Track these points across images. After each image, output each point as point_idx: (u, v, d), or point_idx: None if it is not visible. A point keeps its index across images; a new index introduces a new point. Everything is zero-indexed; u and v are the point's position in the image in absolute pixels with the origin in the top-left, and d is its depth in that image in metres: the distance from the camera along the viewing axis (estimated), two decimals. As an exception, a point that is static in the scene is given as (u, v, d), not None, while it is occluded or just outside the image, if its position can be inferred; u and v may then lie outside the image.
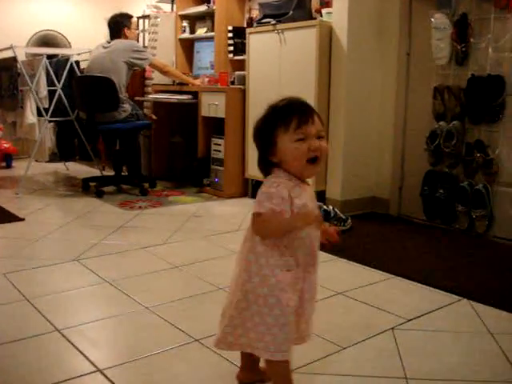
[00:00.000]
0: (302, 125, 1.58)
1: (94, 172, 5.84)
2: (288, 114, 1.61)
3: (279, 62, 4.47)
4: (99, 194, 4.83)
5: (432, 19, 3.85)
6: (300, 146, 1.58)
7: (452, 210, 3.88)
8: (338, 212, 3.81)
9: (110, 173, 5.58)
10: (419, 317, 2.42)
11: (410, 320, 2.37)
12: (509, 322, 2.39)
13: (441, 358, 2.05)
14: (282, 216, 1.57)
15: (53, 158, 6.74)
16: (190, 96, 5.11)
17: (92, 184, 5.08)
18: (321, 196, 4.34)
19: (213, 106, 4.86)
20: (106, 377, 1.87)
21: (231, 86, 4.92)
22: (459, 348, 2.15)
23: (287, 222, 1.58)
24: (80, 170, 6.30)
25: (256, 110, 4.71)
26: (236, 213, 4.38)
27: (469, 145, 3.77)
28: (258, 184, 4.83)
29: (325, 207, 3.82)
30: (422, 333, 2.26)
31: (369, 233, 3.80)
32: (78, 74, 5.64)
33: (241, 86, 4.85)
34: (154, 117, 5.43)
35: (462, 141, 3.80)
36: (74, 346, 2.09)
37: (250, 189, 4.96)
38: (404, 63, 4.19)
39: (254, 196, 4.89)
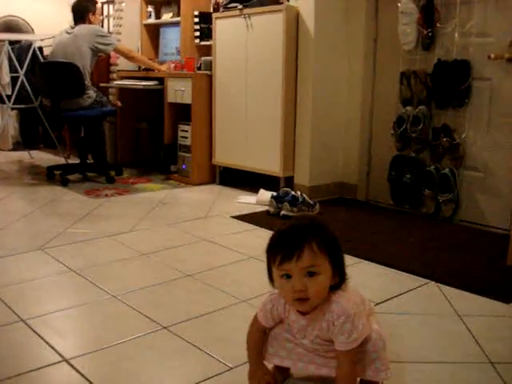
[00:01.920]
0: (284, 261, 1.45)
1: (59, 160, 5.74)
2: (275, 246, 1.50)
3: (246, 47, 4.44)
4: (64, 183, 4.75)
5: (399, 4, 3.86)
6: (285, 284, 1.48)
7: (419, 194, 3.90)
8: (306, 198, 3.80)
9: (75, 161, 5.49)
10: (387, 300, 2.43)
11: (379, 303, 2.38)
12: (476, 304, 2.41)
13: (409, 341, 2.06)
14: (259, 325, 1.66)
15: (16, 147, 6.63)
16: (155, 82, 5.05)
17: (57, 172, 4.99)
18: (289, 182, 4.33)
19: (179, 92, 4.80)
20: (73, 366, 1.84)
21: (198, 72, 4.87)
22: (427, 330, 2.16)
23: (248, 347, 1.69)
24: (44, 158, 6.19)
25: (223, 95, 4.69)
26: (204, 200, 4.35)
27: (435, 129, 3.79)
28: (225, 170, 4.82)
29: (293, 193, 3.81)
30: (391, 316, 2.26)
31: (337, 218, 3.81)
32: (42, 60, 5.53)
33: (207, 72, 4.80)
34: (119, 103, 5.36)
35: (428, 125, 3.82)
36: (39, 335, 2.05)
37: (217, 175, 4.93)
38: (371, 48, 4.20)
39: (221, 182, 4.87)
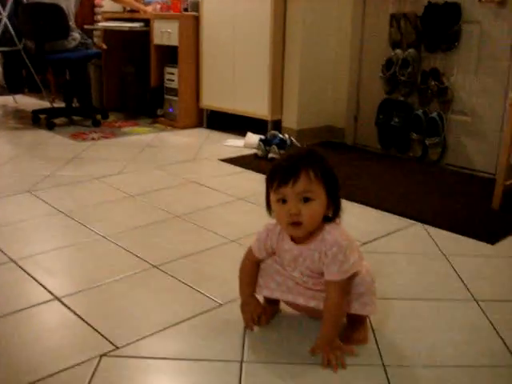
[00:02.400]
0: (280, 185, 1.51)
1: (44, 104, 5.65)
2: (273, 172, 1.55)
3: (234, -12, 4.36)
4: (50, 126, 4.70)
5: None
6: (280, 207, 1.54)
7: (406, 138, 3.91)
8: (294, 141, 3.80)
9: (60, 104, 5.41)
10: (374, 240, 2.46)
11: (366, 243, 2.41)
12: (461, 245, 2.45)
13: (395, 278, 2.10)
14: (252, 256, 1.71)
15: (0, 91, 6.51)
16: (141, 24, 4.95)
17: (42, 116, 4.92)
18: (277, 125, 4.32)
19: (165, 33, 4.72)
20: (64, 304, 1.86)
21: (184, 13, 4.78)
22: (413, 268, 2.20)
23: (241, 278, 1.75)
24: (29, 102, 6.09)
25: (210, 37, 4.62)
26: (191, 143, 4.33)
27: (424, 73, 3.77)
28: (213, 114, 4.79)
29: (281, 136, 3.81)
30: (378, 255, 2.30)
31: (325, 162, 3.80)
32: (25, 1, 5.39)
33: (194, 13, 4.71)
34: (104, 46, 5.26)
35: (417, 69, 3.80)
36: (30, 275, 2.06)
37: (204, 119, 4.90)
38: (360, -11, 4.13)
39: (208, 126, 4.86)
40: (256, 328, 1.72)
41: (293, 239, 1.62)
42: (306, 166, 1.50)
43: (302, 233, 1.57)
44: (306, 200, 1.51)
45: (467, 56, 3.59)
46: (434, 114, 3.73)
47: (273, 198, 1.55)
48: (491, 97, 3.53)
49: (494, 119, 3.54)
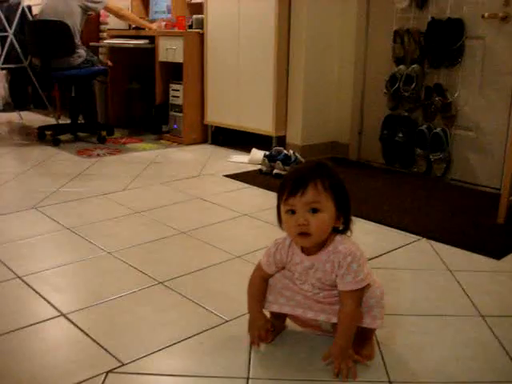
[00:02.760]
0: (289, 197, 1.54)
1: (49, 120, 5.70)
2: (284, 183, 1.58)
3: (238, 5, 4.39)
4: (56, 143, 4.73)
5: (392, -39, 3.82)
6: (289, 218, 1.56)
7: (411, 153, 3.92)
8: (298, 156, 3.81)
9: (65, 121, 5.45)
10: (380, 256, 2.47)
11: (371, 259, 2.41)
12: (466, 260, 2.45)
13: (401, 294, 2.10)
14: (261, 272, 1.72)
15: (6, 108, 6.56)
16: (146, 41, 5.00)
17: (48, 133, 4.96)
18: (281, 141, 4.34)
19: (170, 50, 4.76)
20: (70, 321, 1.86)
21: (189, 30, 4.81)
22: (419, 284, 2.20)
23: (250, 294, 1.75)
24: (35, 118, 6.14)
25: (215, 54, 4.65)
26: (196, 159, 4.35)
27: (428, 88, 3.79)
28: (217, 130, 4.82)
29: (285, 152, 3.82)
30: (383, 271, 2.30)
31: (329, 177, 3.81)
32: (31, 18, 5.44)
33: (199, 30, 4.75)
34: (109, 63, 5.30)
35: (421, 84, 3.82)
36: (36, 291, 2.07)
37: (209, 135, 4.92)
38: (364, 6, 4.15)
39: (213, 142, 4.87)
40: (262, 345, 1.72)
41: (303, 251, 1.63)
42: (315, 178, 1.53)
43: (310, 243, 1.58)
44: (315, 211, 1.53)
45: (471, 71, 3.61)
46: (438, 130, 3.74)
47: (282, 209, 1.58)
48: (495, 112, 3.54)
49: (498, 134, 3.54)
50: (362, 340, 1.68)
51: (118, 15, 5.11)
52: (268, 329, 1.72)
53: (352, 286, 1.56)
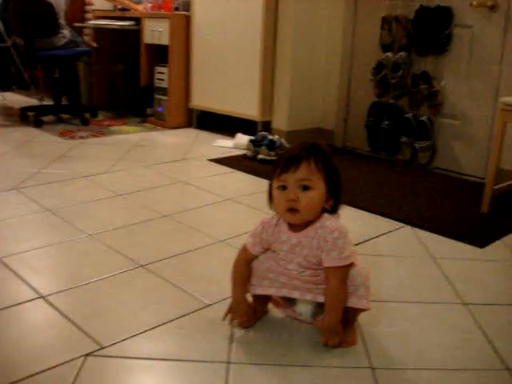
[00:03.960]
0: (282, 172, 1.56)
1: (32, 102, 5.61)
2: (278, 160, 1.61)
3: (225, -12, 4.34)
4: (38, 124, 4.67)
5: None
6: (280, 194, 1.58)
7: (396, 141, 3.91)
8: (283, 142, 3.79)
9: (48, 102, 5.37)
10: (363, 242, 2.46)
11: (356, 245, 2.39)
12: (450, 248, 2.45)
13: (385, 281, 2.09)
14: (246, 254, 1.70)
15: (-12, 88, 6.45)
16: (132, 22, 4.93)
17: (30, 114, 4.89)
18: (266, 127, 4.31)
19: (156, 32, 4.70)
20: (50, 303, 1.83)
21: (175, 13, 4.76)
22: (403, 271, 2.19)
23: (233, 278, 1.72)
24: (17, 99, 6.05)
25: (201, 37, 4.60)
26: (180, 143, 4.31)
27: (415, 76, 3.78)
28: (202, 114, 4.77)
29: (270, 137, 3.79)
30: (367, 257, 2.28)
31: (314, 163, 3.80)
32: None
33: (185, 13, 4.70)
34: (94, 44, 5.23)
35: (408, 72, 3.80)
36: (15, 273, 2.03)
37: (194, 119, 4.88)
38: (352, -8, 4.13)
39: (198, 126, 4.83)
40: (243, 330, 1.70)
41: (290, 228, 1.63)
42: (308, 156, 1.55)
43: (299, 220, 1.59)
44: (305, 188, 1.54)
45: (458, 60, 3.60)
46: (424, 118, 3.73)
47: (274, 185, 1.59)
48: (481, 101, 3.54)
49: (483, 123, 3.54)
50: (344, 324, 1.67)
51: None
52: (250, 315, 1.71)
53: (337, 263, 1.57)
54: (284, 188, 1.56)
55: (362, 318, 1.74)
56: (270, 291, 1.69)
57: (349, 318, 1.68)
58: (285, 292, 1.67)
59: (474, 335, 1.74)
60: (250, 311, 1.71)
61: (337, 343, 1.60)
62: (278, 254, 1.67)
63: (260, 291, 1.71)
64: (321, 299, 1.62)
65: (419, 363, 1.57)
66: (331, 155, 1.62)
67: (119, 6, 5.25)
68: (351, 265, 1.60)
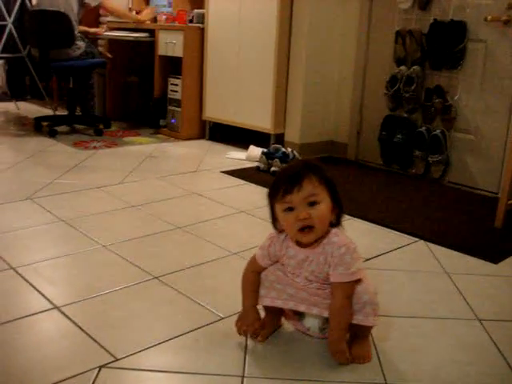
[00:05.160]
0: (286, 194, 1.53)
1: (46, 111, 5.67)
2: (277, 182, 1.58)
3: (240, 1, 4.36)
4: (52, 134, 4.70)
5: (396, -39, 3.80)
6: (288, 216, 1.55)
7: (409, 155, 3.90)
8: (296, 154, 3.79)
9: (62, 112, 5.41)
10: (377, 256, 2.45)
11: (368, 259, 2.39)
12: (464, 263, 2.44)
13: (398, 296, 2.08)
14: (255, 265, 1.70)
15: (3, 97, 6.50)
16: (146, 34, 4.96)
17: (44, 124, 4.93)
18: (279, 139, 4.31)
19: (170, 44, 4.73)
20: (64, 314, 1.84)
21: (189, 25, 4.78)
22: (416, 286, 2.18)
23: (243, 288, 1.73)
24: (32, 109, 6.09)
25: (215, 49, 4.62)
26: (193, 154, 4.33)
27: (428, 90, 3.77)
28: (215, 126, 4.79)
29: (283, 149, 3.79)
30: (379, 272, 2.28)
31: (327, 176, 3.80)
32: (30, 8, 5.40)
33: (200, 25, 4.72)
34: (109, 55, 5.27)
35: (421, 86, 3.80)
36: (29, 283, 2.04)
37: (207, 131, 4.89)
38: (366, 6, 4.14)
39: (211, 138, 4.85)
40: (258, 343, 1.70)
41: (298, 244, 1.62)
42: (308, 173, 1.54)
43: (313, 238, 1.58)
44: (313, 204, 1.53)
45: (472, 74, 3.60)
46: (438, 132, 3.73)
47: (279, 208, 1.57)
48: (495, 116, 3.53)
49: (497, 138, 3.53)
50: (356, 340, 1.66)
51: (113, 14, 5.05)
52: (257, 328, 1.70)
53: (343, 278, 1.56)
54: (291, 209, 1.54)
55: (375, 333, 1.73)
56: (278, 303, 1.68)
57: (359, 333, 1.67)
58: (291, 305, 1.66)
59: (489, 352, 1.73)
60: (257, 325, 1.70)
61: (344, 360, 1.59)
62: (286, 267, 1.67)
63: (267, 302, 1.70)
64: (327, 314, 1.61)
65: (434, 380, 1.56)
66: (325, 169, 1.60)
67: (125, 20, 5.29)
68: (358, 281, 1.59)
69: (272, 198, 1.59)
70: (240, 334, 1.72)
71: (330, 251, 1.57)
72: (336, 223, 1.61)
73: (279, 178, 1.58)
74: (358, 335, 1.67)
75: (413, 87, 3.77)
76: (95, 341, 1.68)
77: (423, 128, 3.81)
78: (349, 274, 1.56)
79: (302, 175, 1.53)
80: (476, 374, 1.60)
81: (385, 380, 1.55)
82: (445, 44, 3.63)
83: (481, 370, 1.62)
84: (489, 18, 3.43)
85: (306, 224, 1.54)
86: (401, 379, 1.56)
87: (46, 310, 1.86)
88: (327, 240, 1.59)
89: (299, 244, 1.62)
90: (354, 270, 1.56)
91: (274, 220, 1.62)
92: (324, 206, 1.54)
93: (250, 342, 1.71)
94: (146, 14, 5.10)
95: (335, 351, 1.59)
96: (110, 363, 1.57)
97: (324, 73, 4.30)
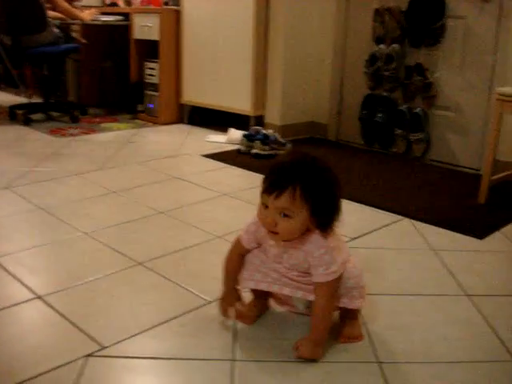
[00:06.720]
0: (265, 191, 1.46)
1: (21, 100, 5.55)
2: (267, 173, 1.49)
3: (215, -19, 4.30)
4: (27, 122, 4.61)
5: None
6: (262, 211, 1.49)
7: (390, 134, 3.89)
8: (277, 136, 3.76)
9: (37, 100, 5.31)
10: (363, 235, 2.43)
11: (354, 238, 2.38)
12: (450, 240, 2.43)
13: (385, 274, 2.07)
14: (239, 247, 1.65)
15: (-25, 86, 6.39)
16: (121, 17, 4.88)
17: (19, 112, 4.82)
18: (259, 121, 4.28)
19: (146, 27, 4.65)
20: (47, 303, 1.79)
21: (165, 7, 4.72)
22: (403, 264, 2.17)
23: (225, 269, 1.69)
24: (6, 98, 5.97)
25: (192, 31, 4.55)
26: (172, 139, 4.27)
27: (408, 68, 3.75)
28: (194, 110, 4.73)
29: (264, 131, 3.76)
30: (366, 250, 2.27)
31: (308, 157, 3.77)
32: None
33: (175, 7, 4.65)
34: (83, 40, 5.16)
35: (401, 64, 3.78)
36: (10, 273, 1.99)
37: (185, 115, 4.83)
38: (344, -16, 4.10)
39: (189, 122, 4.79)
40: (246, 326, 1.68)
41: None
42: (295, 181, 1.42)
43: (279, 240, 1.53)
44: (284, 215, 1.45)
45: (451, 51, 3.58)
46: (418, 110, 3.72)
47: (260, 197, 1.50)
48: (475, 92, 3.52)
49: (478, 115, 3.53)
50: (346, 320, 1.64)
51: (57, 9, 4.90)
52: (240, 307, 1.68)
53: (324, 278, 1.51)
54: (266, 207, 1.47)
55: (364, 312, 1.71)
56: (262, 286, 1.64)
57: (348, 315, 1.65)
58: (276, 288, 1.62)
59: (480, 327, 1.72)
60: (238, 305, 1.68)
61: (308, 355, 1.52)
62: (268, 253, 1.63)
63: (251, 285, 1.66)
64: (311, 297, 1.56)
65: (427, 356, 1.55)
66: (328, 169, 1.51)
67: (108, 2, 5.18)
68: (340, 278, 1.54)
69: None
70: (224, 315, 1.69)
71: (310, 250, 1.51)
72: (322, 229, 1.50)
73: (270, 171, 1.49)
74: (346, 315, 1.65)
75: (393, 65, 3.75)
76: (81, 329, 1.64)
77: (404, 106, 3.79)
78: (329, 274, 1.50)
79: (288, 183, 1.42)
80: (468, 350, 1.60)
81: (377, 359, 1.53)
82: (424, 21, 3.60)
83: (473, 346, 1.62)
84: (467, -7, 3.41)
85: (271, 229, 1.48)
86: (394, 358, 1.55)
87: (28, 300, 1.81)
88: (308, 238, 1.51)
89: None
90: (335, 268, 1.50)
91: None
92: (294, 222, 1.45)
93: (238, 326, 1.68)
94: (87, 14, 4.94)
95: (307, 353, 1.52)
96: (96, 351, 1.53)
97: (303, 53, 4.25)
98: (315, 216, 1.46)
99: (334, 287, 1.54)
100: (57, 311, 1.74)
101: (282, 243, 1.55)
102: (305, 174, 1.44)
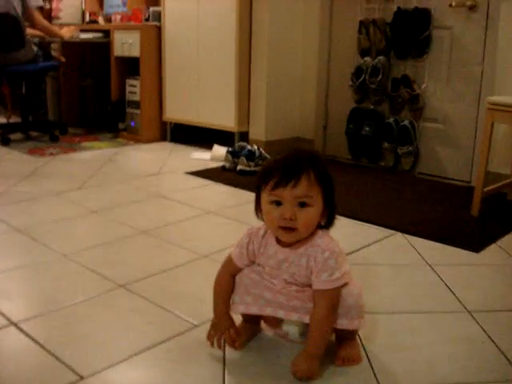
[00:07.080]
0: (278, 186, 1.38)
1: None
2: (271, 170, 1.41)
3: (197, -4, 4.23)
4: (5, 142, 4.49)
5: (356, -51, 3.71)
6: (273, 210, 1.41)
7: (378, 147, 3.82)
8: (262, 152, 3.67)
9: (16, 120, 5.19)
10: (355, 251, 2.34)
11: (346, 254, 2.27)
12: (445, 254, 2.35)
13: (382, 291, 1.97)
14: (230, 266, 1.56)
15: (-48, 107, 6.24)
16: (101, 35, 4.79)
17: (-3, 132, 4.71)
18: (244, 137, 4.19)
19: (126, 44, 4.56)
20: (22, 330, 1.67)
21: (146, 23, 4.63)
22: (399, 280, 2.08)
23: (215, 292, 1.59)
24: (-17, 118, 5.85)
25: (173, 48, 4.48)
26: (155, 157, 4.17)
27: (395, 80, 3.69)
28: (177, 127, 4.64)
29: (249, 147, 3.67)
30: (359, 267, 2.17)
31: (295, 173, 3.69)
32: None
33: (156, 23, 4.57)
34: (62, 58, 5.06)
35: (387, 76, 3.72)
36: (-18, 298, 1.87)
37: (168, 132, 4.74)
38: (327, -4, 4.04)
39: (172, 140, 4.70)
40: (237, 351, 1.56)
41: (279, 242, 1.48)
42: (308, 168, 1.39)
43: (295, 239, 1.44)
44: (303, 205, 1.38)
45: (438, 62, 3.53)
46: (406, 122, 3.65)
47: (265, 198, 1.42)
48: (464, 103, 3.47)
49: (466, 126, 3.47)
50: (343, 342, 1.54)
51: (36, 27, 4.80)
52: (232, 335, 1.55)
53: (327, 285, 1.42)
54: (278, 203, 1.39)
55: (362, 332, 1.61)
56: (253, 310, 1.54)
57: (346, 336, 1.54)
58: (269, 311, 1.52)
59: (484, 345, 1.62)
60: (232, 331, 1.56)
61: (307, 374, 1.43)
62: (262, 268, 1.53)
63: (242, 310, 1.56)
64: (308, 320, 1.46)
65: (430, 378, 1.45)
66: (327, 166, 1.46)
67: (87, 20, 5.10)
68: (344, 285, 1.45)
69: (260, 185, 1.44)
70: (213, 345, 1.57)
71: (313, 254, 1.43)
72: (326, 225, 1.48)
73: (274, 166, 1.41)
74: (344, 336, 1.54)
75: (379, 78, 3.68)
76: (58, 359, 1.52)
77: (391, 119, 3.73)
78: (333, 281, 1.42)
79: (301, 170, 1.38)
80: (473, 369, 1.50)
81: (377, 382, 1.43)
82: (409, 32, 3.55)
83: (478, 365, 1.52)
84: (453, 3, 3.37)
85: (289, 225, 1.40)
86: (394, 379, 1.44)
87: (2, 328, 1.69)
88: (311, 242, 1.45)
89: (280, 243, 1.48)
90: (338, 275, 1.42)
91: (258, 208, 1.48)
92: (313, 211, 1.40)
93: (227, 351, 1.57)
94: (66, 31, 4.84)
95: (305, 368, 1.43)
96: (75, 383, 1.41)
97: (287, 68, 4.18)
98: (327, 204, 1.43)
99: (336, 297, 1.44)
100: (32, 339, 1.63)
101: (283, 250, 1.47)
102: (312, 161, 1.42)
